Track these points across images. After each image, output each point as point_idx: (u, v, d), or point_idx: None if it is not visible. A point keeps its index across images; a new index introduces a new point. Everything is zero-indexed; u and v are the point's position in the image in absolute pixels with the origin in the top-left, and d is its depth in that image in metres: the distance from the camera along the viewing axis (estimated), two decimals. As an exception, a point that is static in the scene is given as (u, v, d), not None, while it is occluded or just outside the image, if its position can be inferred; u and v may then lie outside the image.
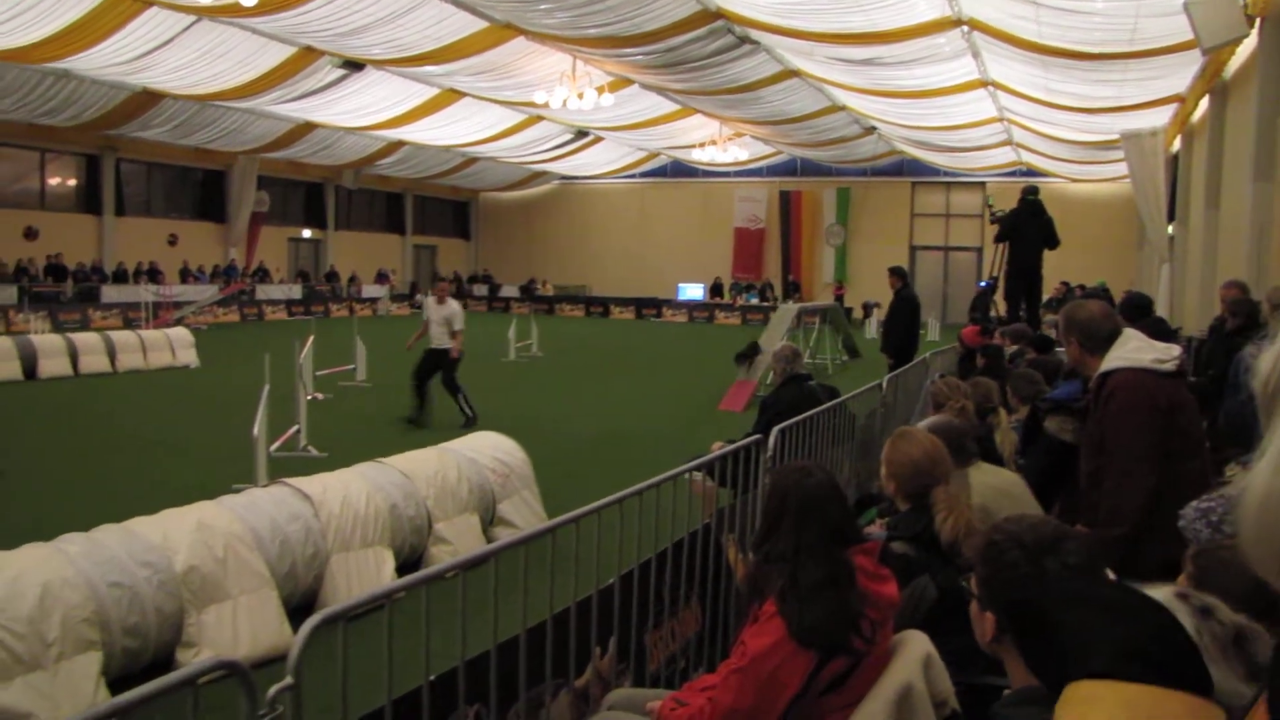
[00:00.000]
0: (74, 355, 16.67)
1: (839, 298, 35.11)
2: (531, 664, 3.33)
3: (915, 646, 2.77)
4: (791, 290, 39.26)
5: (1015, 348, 8.75)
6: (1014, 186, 17.17)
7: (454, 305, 12.42)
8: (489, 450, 7.22)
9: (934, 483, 3.55)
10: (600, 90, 26.18)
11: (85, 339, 17.39)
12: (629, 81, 27.54)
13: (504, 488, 7.08)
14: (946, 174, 39.04)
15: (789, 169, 41.91)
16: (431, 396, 12.20)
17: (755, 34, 21.67)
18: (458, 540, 6.50)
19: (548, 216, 47.40)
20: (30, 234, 30.70)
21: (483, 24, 22.99)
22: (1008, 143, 31.01)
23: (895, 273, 13.11)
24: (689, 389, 16.85)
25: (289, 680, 2.35)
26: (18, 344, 16.26)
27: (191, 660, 4.80)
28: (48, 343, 16.79)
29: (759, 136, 35.37)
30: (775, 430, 5.02)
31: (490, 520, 6.98)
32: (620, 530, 3.86)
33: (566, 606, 3.60)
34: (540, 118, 32.91)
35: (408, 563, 6.27)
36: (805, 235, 41.95)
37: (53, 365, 16.23)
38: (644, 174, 44.65)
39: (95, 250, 32.29)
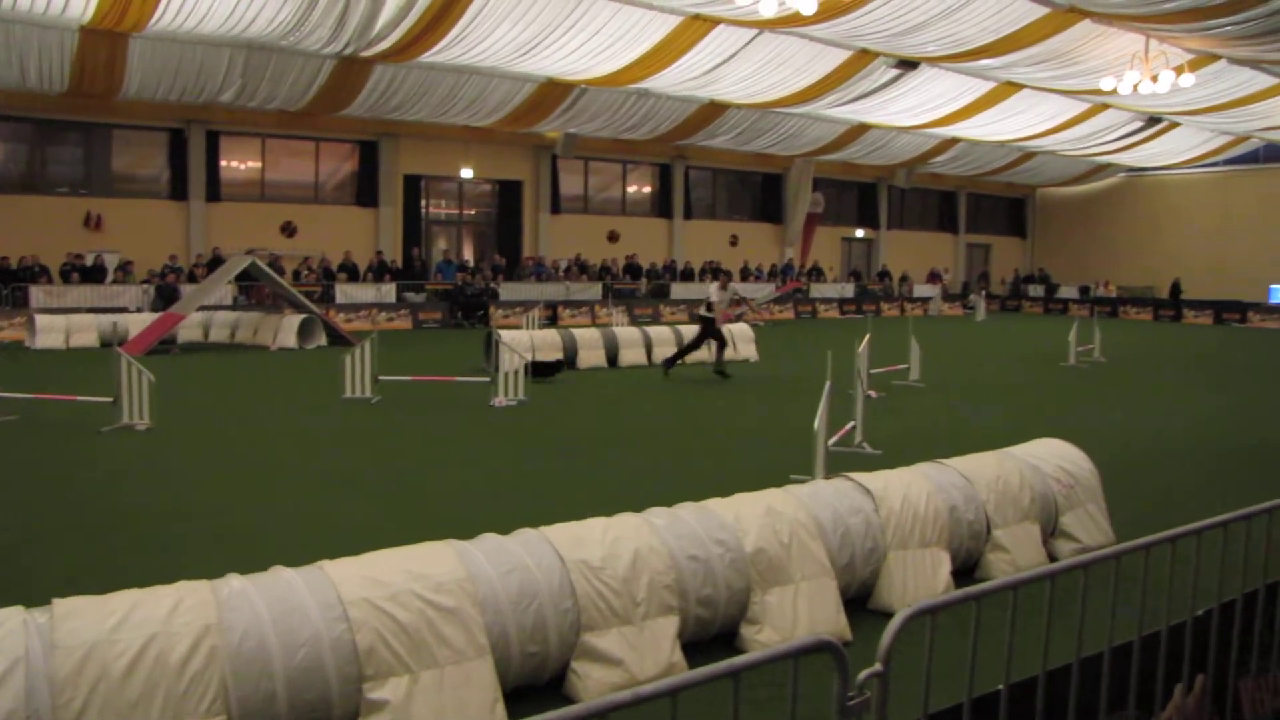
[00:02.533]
0: (649, 347, 18.42)
1: None
2: (1085, 694, 3.07)
3: None
4: None
5: None
6: None
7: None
8: (1053, 458, 6.81)
9: None
10: (1179, 70, 23.81)
11: (659, 331, 19.15)
12: (1214, 58, 24.74)
13: (1068, 499, 6.64)
14: None
15: None
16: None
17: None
18: (1016, 549, 6.20)
19: (1112, 212, 44.05)
20: (613, 237, 34.45)
21: (1044, 10, 21.91)
22: None
23: None
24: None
25: (878, 667, 2.41)
26: (604, 335, 18.34)
27: (755, 636, 5.04)
28: (627, 334, 18.72)
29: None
30: None
31: (1052, 531, 6.59)
32: (1198, 558, 3.44)
33: (1130, 640, 3.27)
34: (1106, 105, 30.74)
35: (963, 567, 6.09)
36: None
37: (632, 355, 18.09)
38: (1228, 161, 39.89)
39: (666, 250, 35.44)
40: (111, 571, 5.88)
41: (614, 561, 4.66)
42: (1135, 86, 24.04)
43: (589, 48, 24.11)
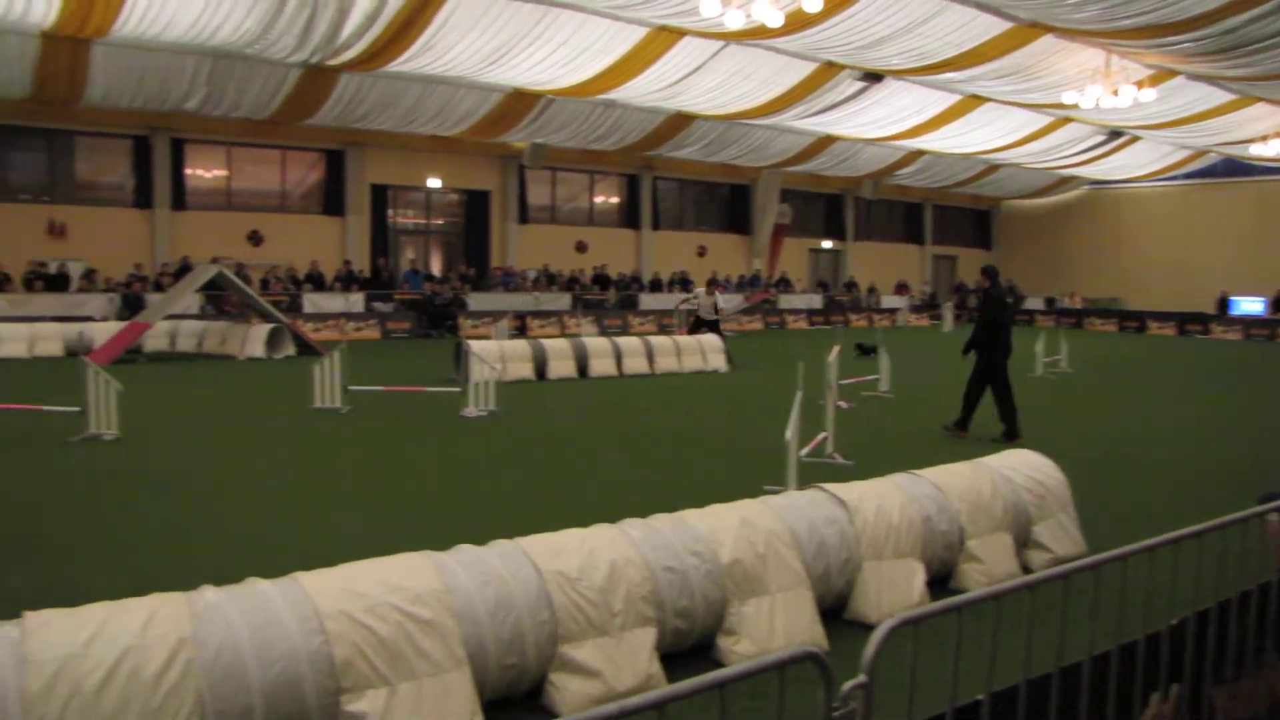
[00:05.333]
0: (618, 356, 18.44)
1: None
2: (1065, 702, 3.11)
3: None
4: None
5: None
6: None
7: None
8: (1024, 469, 6.86)
9: None
10: (1140, 84, 24.18)
11: (627, 342, 19.17)
12: (1173, 73, 25.14)
13: (1040, 509, 6.70)
14: None
15: (1373, 163, 35.99)
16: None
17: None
18: (990, 559, 6.24)
19: (1076, 224, 44.65)
20: (581, 247, 34.46)
21: (1007, 25, 22.20)
22: None
23: None
24: (1259, 413, 15.02)
25: (863, 678, 2.42)
26: (573, 345, 18.34)
27: (733, 647, 5.05)
28: (597, 345, 18.74)
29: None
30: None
31: (1024, 542, 6.64)
32: (1174, 568, 3.49)
33: (1108, 649, 3.31)
34: (1069, 119, 31.15)
35: (937, 578, 6.12)
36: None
37: (601, 365, 18.11)
38: (1188, 175, 40.58)
39: (634, 261, 35.49)
40: (82, 584, 5.79)
41: (591, 572, 4.65)
42: (1097, 101, 24.39)
43: (556, 58, 24.13)
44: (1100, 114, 27.95)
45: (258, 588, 4.06)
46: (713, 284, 23.63)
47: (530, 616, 4.41)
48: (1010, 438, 11.48)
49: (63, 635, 3.51)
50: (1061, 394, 17.08)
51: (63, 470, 9.51)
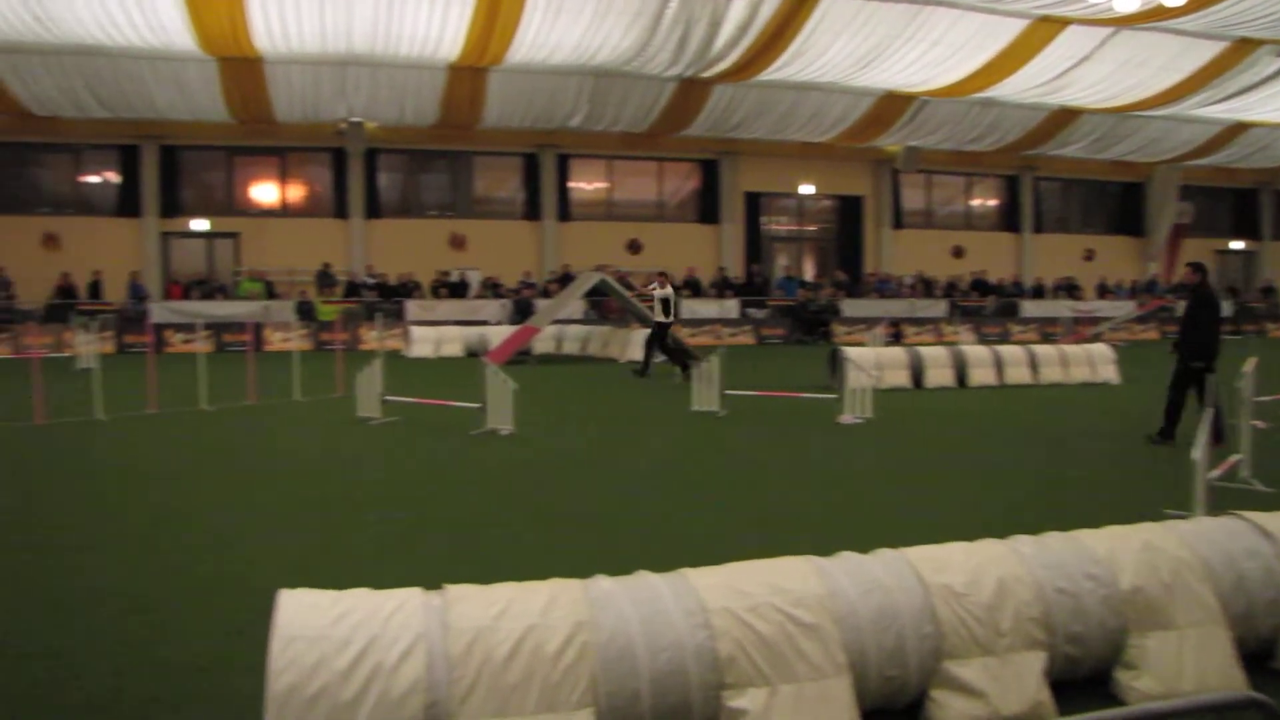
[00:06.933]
0: (999, 365, 17.65)
1: None
2: None
3: None
4: None
5: None
6: None
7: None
8: None
9: None
10: None
11: (1009, 350, 18.32)
12: None
13: None
14: None
15: None
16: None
17: None
18: None
19: None
20: (957, 252, 33.36)
21: None
22: None
23: None
24: None
25: None
26: (951, 353, 17.78)
27: (1132, 683, 4.66)
28: (976, 353, 18.04)
29: None
30: None
31: None
32: None
33: None
34: None
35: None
36: None
37: (981, 374, 17.40)
38: None
39: (1014, 266, 33.85)
40: (487, 561, 6.34)
41: (977, 588, 4.46)
42: None
43: (930, 58, 23.58)
44: None
45: (647, 579, 4.24)
46: (663, 276, 19.33)
47: (914, 628, 4.30)
48: (1164, 437, 11.23)
49: (477, 608, 3.85)
50: None
51: (467, 460, 10.45)
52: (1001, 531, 5.20)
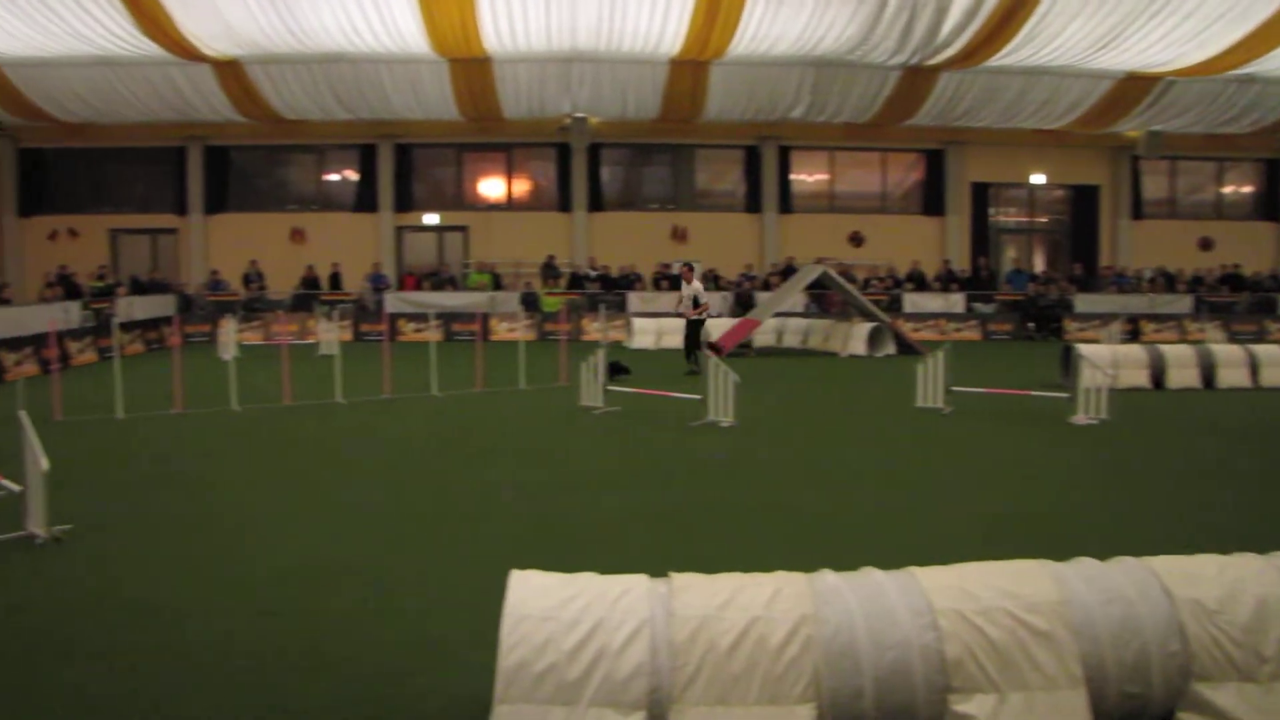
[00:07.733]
0: (1254, 366, 16.29)
1: None
2: None
3: None
4: None
5: None
6: None
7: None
8: None
9: None
10: None
11: (1266, 350, 16.88)
12: None
13: None
14: None
15: None
16: None
17: None
18: None
19: None
20: (1205, 244, 31.06)
21: None
22: None
23: None
24: None
25: None
26: (1197, 352, 16.55)
27: None
28: (1226, 352, 16.73)
29: None
30: None
31: None
32: None
33: None
34: None
35: None
36: None
37: (1231, 375, 16.08)
38: None
39: (1273, 259, 31.23)
40: (703, 551, 6.36)
41: (1233, 606, 4.11)
42: None
43: (1177, 35, 22.02)
44: None
45: (873, 576, 4.15)
46: (689, 269, 19.02)
47: (1158, 644, 4.01)
48: None
49: (701, 597, 3.88)
50: None
51: (684, 452, 10.53)
52: (1255, 548, 4.79)
